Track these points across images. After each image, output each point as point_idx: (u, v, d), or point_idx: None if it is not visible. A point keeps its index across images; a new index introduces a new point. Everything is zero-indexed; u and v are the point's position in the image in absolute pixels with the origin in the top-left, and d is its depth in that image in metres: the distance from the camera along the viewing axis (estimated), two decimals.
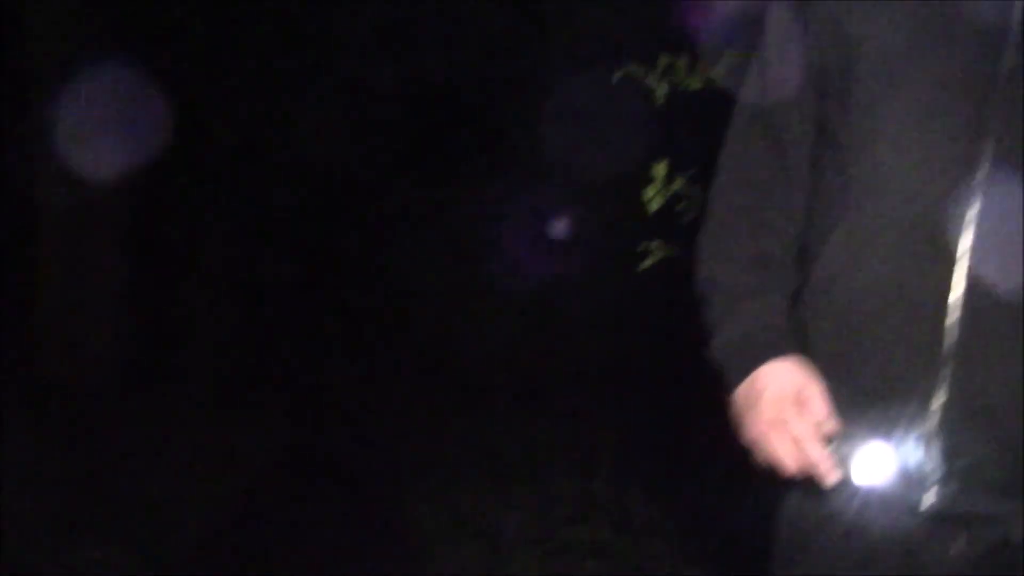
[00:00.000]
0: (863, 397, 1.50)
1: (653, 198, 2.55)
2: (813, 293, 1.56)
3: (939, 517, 1.47)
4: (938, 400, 1.45)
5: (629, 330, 7.53)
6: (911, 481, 1.47)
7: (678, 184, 2.59)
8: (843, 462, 1.48)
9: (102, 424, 6.20)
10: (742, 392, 1.55)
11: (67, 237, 7.25)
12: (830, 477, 1.46)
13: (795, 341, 1.55)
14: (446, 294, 8.71)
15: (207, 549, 4.68)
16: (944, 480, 1.46)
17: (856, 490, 1.49)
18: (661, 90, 3.03)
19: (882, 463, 1.48)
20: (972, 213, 1.44)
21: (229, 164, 9.02)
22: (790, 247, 1.61)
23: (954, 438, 1.46)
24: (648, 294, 7.11)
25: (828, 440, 1.48)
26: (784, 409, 1.49)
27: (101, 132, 7.00)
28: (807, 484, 1.51)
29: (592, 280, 8.00)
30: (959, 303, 1.44)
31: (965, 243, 1.44)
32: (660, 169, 2.58)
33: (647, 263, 2.68)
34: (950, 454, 1.46)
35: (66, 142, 6.94)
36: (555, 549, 4.49)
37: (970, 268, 1.44)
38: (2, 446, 5.45)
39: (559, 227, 8.77)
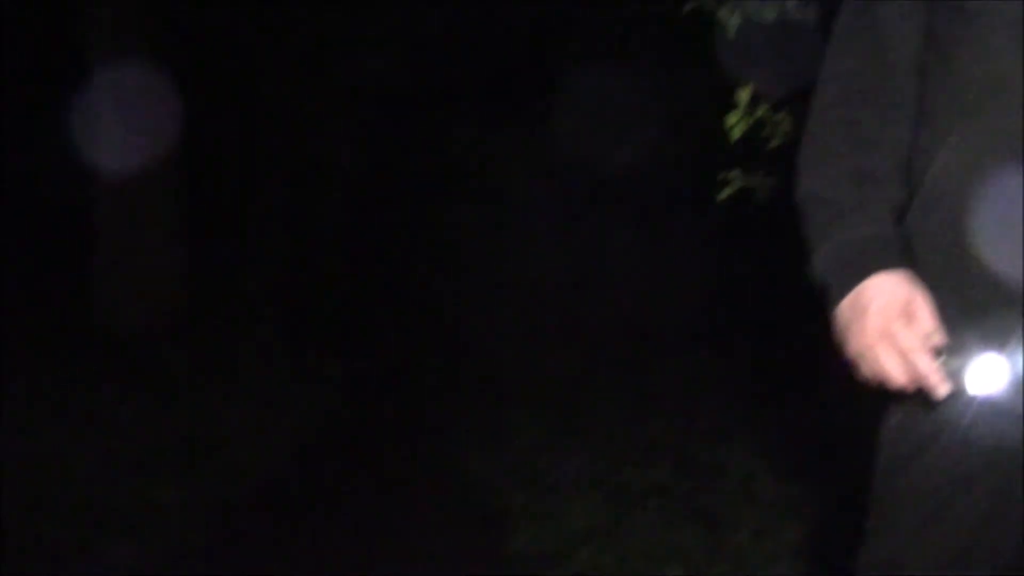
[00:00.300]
0: (977, 309, 1.46)
1: (736, 124, 2.49)
2: (923, 205, 1.53)
3: None
4: None
5: (684, 274, 7.49)
6: None
7: (762, 111, 2.53)
8: (953, 374, 1.46)
9: (163, 370, 6.27)
10: (846, 305, 1.51)
11: (124, 193, 7.33)
12: (940, 389, 1.43)
13: (902, 255, 1.52)
14: (499, 244, 8.70)
15: (272, 489, 4.73)
16: None
17: (969, 401, 1.47)
18: (734, 22, 2.97)
19: (996, 374, 1.45)
20: None
21: (280, 123, 9.05)
22: (896, 162, 1.56)
23: None
24: (702, 238, 7.08)
25: (937, 353, 1.45)
26: (892, 321, 1.46)
27: (152, 94, 7.12)
28: (915, 397, 1.48)
29: (644, 224, 7.95)
30: None
31: None
32: (744, 95, 2.52)
33: (726, 192, 2.63)
34: None
35: (120, 105, 7.07)
36: (616, 490, 4.50)
37: None
38: (67, 394, 5.53)
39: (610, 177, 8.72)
